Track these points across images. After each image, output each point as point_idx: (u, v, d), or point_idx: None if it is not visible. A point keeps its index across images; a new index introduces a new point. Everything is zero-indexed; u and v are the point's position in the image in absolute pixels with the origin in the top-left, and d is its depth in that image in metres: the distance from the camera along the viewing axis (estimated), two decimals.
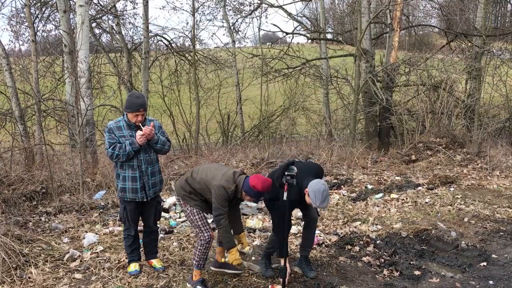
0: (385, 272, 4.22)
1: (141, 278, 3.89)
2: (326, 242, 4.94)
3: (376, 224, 5.46)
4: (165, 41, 14.32)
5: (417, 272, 4.22)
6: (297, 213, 5.81)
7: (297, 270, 4.10)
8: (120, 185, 3.90)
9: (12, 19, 11.55)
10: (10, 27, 14.18)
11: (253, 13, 14.08)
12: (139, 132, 3.76)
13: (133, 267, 4.00)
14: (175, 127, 13.44)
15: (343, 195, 6.92)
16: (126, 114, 3.83)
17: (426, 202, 6.32)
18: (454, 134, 9.69)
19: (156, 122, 3.97)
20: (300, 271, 4.09)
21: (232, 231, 3.77)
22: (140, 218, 4.11)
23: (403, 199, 6.50)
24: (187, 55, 14.29)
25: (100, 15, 13.12)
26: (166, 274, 3.98)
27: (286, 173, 3.68)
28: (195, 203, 3.75)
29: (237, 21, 14.54)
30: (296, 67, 12.42)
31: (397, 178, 7.85)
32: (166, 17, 58.92)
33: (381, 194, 6.80)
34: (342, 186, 7.42)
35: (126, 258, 4.14)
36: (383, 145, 10.64)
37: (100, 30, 13.85)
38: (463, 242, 4.94)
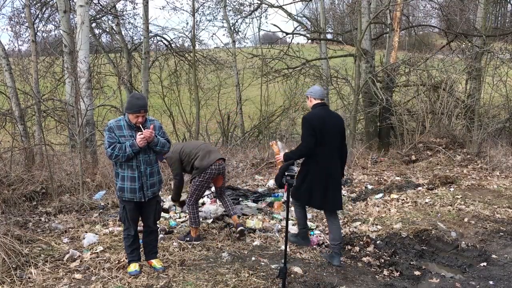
0: (385, 272, 4.22)
1: (141, 278, 3.89)
2: (326, 242, 4.94)
3: (376, 224, 5.46)
4: (165, 41, 14.34)
5: (417, 273, 4.22)
6: None
7: (297, 271, 4.10)
8: (119, 185, 3.90)
9: (12, 19, 11.57)
10: (10, 27, 14.17)
11: (253, 13, 14.08)
12: (139, 135, 3.76)
13: (133, 267, 4.00)
14: (175, 127, 13.44)
15: (343, 195, 6.92)
16: (127, 115, 3.83)
17: (426, 202, 6.32)
18: (454, 134, 9.69)
19: (156, 123, 3.97)
20: (300, 271, 4.08)
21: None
22: (140, 218, 4.11)
23: (403, 199, 6.50)
24: (187, 55, 14.30)
25: (100, 15, 13.12)
26: (166, 274, 3.98)
27: (286, 173, 3.68)
28: None
29: (237, 21, 14.54)
30: (296, 67, 12.41)
31: (397, 178, 7.85)
32: (166, 17, 58.89)
33: (381, 194, 6.80)
34: (342, 186, 7.41)
35: (126, 258, 4.14)
36: (383, 145, 10.64)
37: (100, 30, 13.86)
38: (463, 242, 4.94)
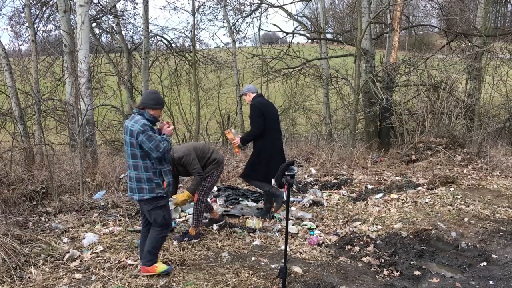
0: (385, 272, 4.22)
1: (141, 278, 3.89)
2: (326, 242, 4.94)
3: (376, 224, 5.46)
4: (165, 41, 14.34)
5: (417, 272, 4.22)
6: (296, 213, 5.82)
7: (297, 270, 4.10)
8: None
9: (12, 19, 11.57)
10: (10, 27, 14.17)
11: (253, 13, 14.08)
12: (168, 127, 3.94)
13: (164, 265, 3.99)
14: (175, 127, 13.44)
15: (343, 195, 6.92)
16: (148, 111, 3.79)
17: (426, 202, 6.32)
18: (454, 134, 9.68)
19: None
20: (300, 271, 4.09)
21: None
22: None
23: (403, 199, 6.50)
24: (187, 55, 14.30)
25: (100, 15, 13.12)
26: (166, 274, 3.98)
27: (286, 173, 3.68)
28: None
29: (237, 21, 14.52)
30: (296, 67, 12.41)
31: (397, 178, 7.85)
32: (167, 17, 58.88)
33: (381, 194, 6.80)
34: (342, 186, 7.42)
35: (147, 261, 3.94)
36: (383, 145, 10.64)
37: (100, 30, 13.86)
38: (463, 242, 4.94)
